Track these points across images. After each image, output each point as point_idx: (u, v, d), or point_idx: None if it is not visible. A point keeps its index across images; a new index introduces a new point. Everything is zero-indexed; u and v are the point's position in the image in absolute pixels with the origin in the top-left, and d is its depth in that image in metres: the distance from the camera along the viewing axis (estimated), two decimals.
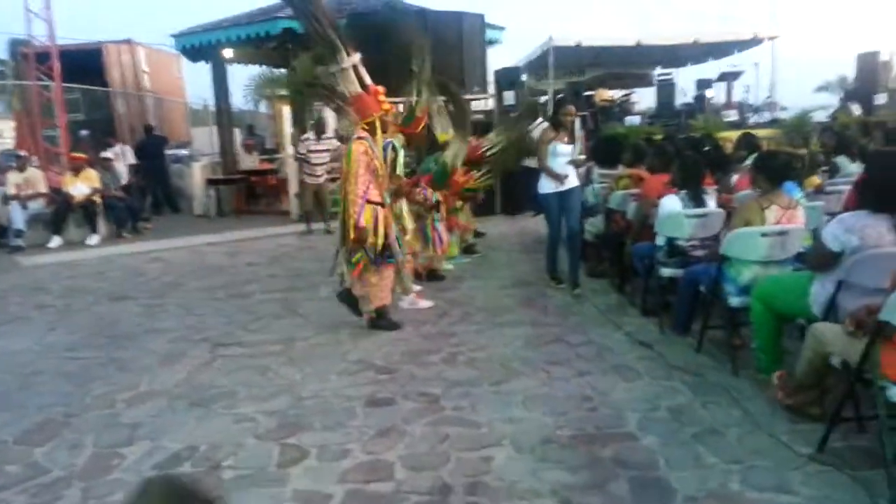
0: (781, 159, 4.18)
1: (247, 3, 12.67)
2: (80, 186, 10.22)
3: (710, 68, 17.18)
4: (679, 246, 4.76)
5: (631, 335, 4.71)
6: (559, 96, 5.32)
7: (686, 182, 4.86)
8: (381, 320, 5.17)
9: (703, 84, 15.61)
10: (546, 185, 5.87)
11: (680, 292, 4.72)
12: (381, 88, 5.09)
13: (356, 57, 5.04)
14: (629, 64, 17.19)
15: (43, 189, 10.33)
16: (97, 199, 10.31)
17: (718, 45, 15.45)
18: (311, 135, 9.94)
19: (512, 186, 10.83)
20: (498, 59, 14.24)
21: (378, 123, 4.96)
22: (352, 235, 4.80)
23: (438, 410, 3.65)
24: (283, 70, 14.96)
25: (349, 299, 5.16)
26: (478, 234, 8.62)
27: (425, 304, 5.71)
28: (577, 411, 3.55)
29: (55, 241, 9.94)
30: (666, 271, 4.82)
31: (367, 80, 5.05)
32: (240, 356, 4.73)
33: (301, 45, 12.14)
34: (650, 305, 5.20)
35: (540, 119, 11.12)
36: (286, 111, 12.63)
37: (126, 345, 5.13)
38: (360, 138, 4.85)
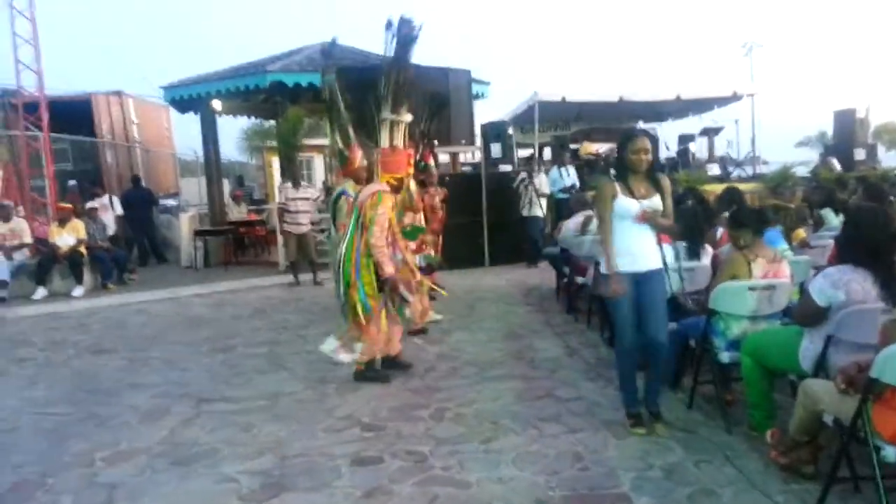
0: (751, 210, 4.23)
1: (236, 58, 12.87)
2: (66, 237, 10.14)
3: (691, 124, 17.60)
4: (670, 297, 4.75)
5: None
6: (628, 130, 4.22)
7: (688, 233, 4.83)
8: (371, 372, 5.10)
9: (686, 139, 15.97)
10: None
11: (669, 346, 4.69)
12: (411, 152, 5.21)
13: (408, 117, 5.14)
14: (612, 119, 17.56)
15: (28, 239, 10.25)
16: (83, 249, 10.23)
17: (699, 101, 15.83)
18: (289, 183, 9.98)
19: (500, 236, 10.91)
20: (485, 112, 14.54)
21: (405, 182, 5.10)
22: (384, 281, 4.83)
23: (427, 469, 3.56)
24: (271, 122, 15.20)
25: (370, 373, 5.11)
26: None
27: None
28: (569, 470, 3.48)
29: (40, 293, 9.80)
30: None
31: (400, 142, 5.14)
32: (223, 412, 4.62)
33: (289, 98, 12.38)
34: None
35: (523, 175, 11.26)
36: (275, 162, 12.71)
37: (106, 400, 5.01)
38: (386, 191, 4.91)
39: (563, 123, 17.90)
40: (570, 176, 12.21)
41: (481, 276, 9.93)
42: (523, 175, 11.21)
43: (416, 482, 3.42)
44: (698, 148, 16.46)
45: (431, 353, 5.87)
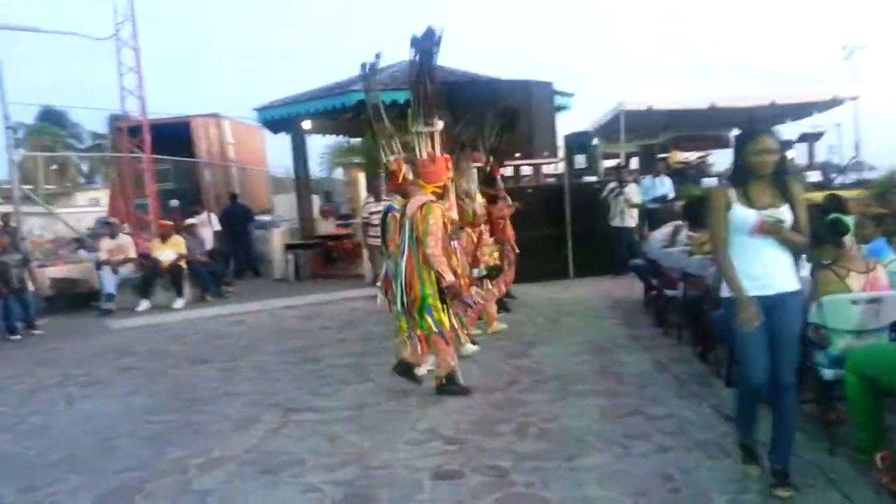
0: (823, 224, 3.90)
1: (324, 78, 13.26)
2: (168, 252, 10.72)
3: (788, 130, 16.72)
4: None
5: (716, 408, 4.44)
6: (749, 126, 3.95)
7: None
8: (452, 385, 5.11)
9: (784, 145, 15.20)
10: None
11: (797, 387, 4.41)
12: (448, 157, 5.24)
13: (440, 125, 5.18)
14: (703, 126, 16.96)
15: (133, 255, 10.88)
16: (183, 264, 10.77)
17: (797, 106, 15.06)
18: (371, 197, 10.16)
19: (585, 247, 10.70)
20: (570, 123, 14.37)
21: (448, 188, 5.15)
22: (445, 289, 4.95)
23: (508, 486, 3.51)
24: (357, 139, 15.57)
25: (405, 368, 5.18)
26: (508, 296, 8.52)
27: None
28: (658, 492, 3.34)
29: (143, 305, 10.39)
30: None
31: (437, 150, 5.16)
32: (310, 422, 4.72)
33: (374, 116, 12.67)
34: (735, 376, 4.91)
35: (613, 184, 10.96)
36: (361, 178, 13.00)
37: (202, 408, 5.22)
38: (434, 201, 4.98)
39: (650, 132, 17.41)
40: (664, 186, 11.87)
41: (566, 289, 9.77)
42: (613, 185, 10.96)
43: (497, 499, 3.37)
44: (797, 154, 15.65)
45: (513, 366, 5.80)
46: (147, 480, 3.87)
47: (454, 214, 6.16)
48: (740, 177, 3.30)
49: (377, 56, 5.59)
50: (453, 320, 5.16)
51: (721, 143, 17.33)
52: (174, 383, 6.06)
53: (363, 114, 12.31)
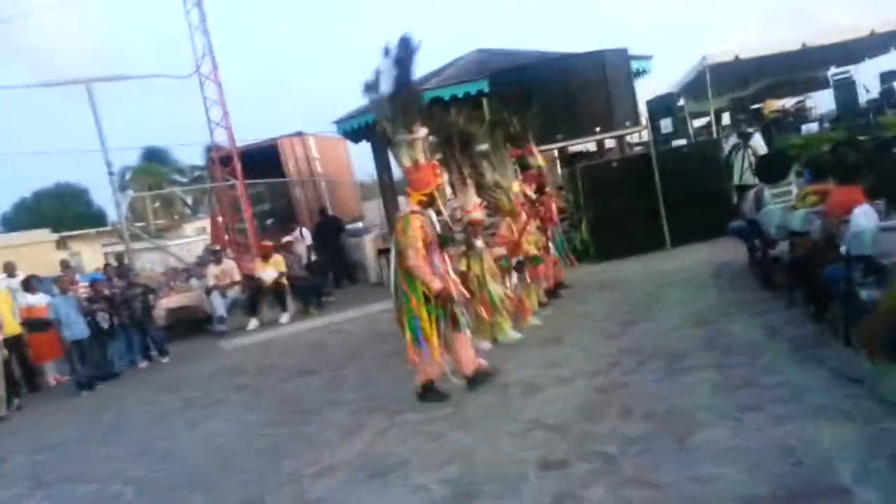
0: None
1: None
2: (270, 271, 11.17)
3: (893, 60, 15.37)
4: (877, 263, 4.16)
5: (836, 370, 4.13)
6: None
7: (883, 189, 4.26)
8: (429, 393, 5.12)
9: (889, 76, 14.03)
10: None
11: None
12: (435, 163, 5.25)
13: (423, 132, 5.13)
14: (797, 69, 15.88)
15: (238, 277, 11.41)
16: (284, 280, 11.19)
17: None
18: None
19: (680, 216, 10.24)
20: (652, 86, 13.86)
21: (436, 195, 5.14)
22: (436, 297, 4.89)
23: (616, 471, 3.40)
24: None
25: (430, 394, 5.14)
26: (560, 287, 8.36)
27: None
28: (778, 465, 3.13)
29: (252, 324, 10.88)
30: (867, 293, 4.21)
31: (422, 158, 5.10)
32: (413, 423, 4.76)
33: (446, 112, 12.71)
34: (855, 334, 4.56)
35: (735, 140, 10.24)
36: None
37: (311, 419, 5.39)
38: (414, 212, 4.98)
39: (739, 84, 16.48)
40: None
41: (663, 260, 9.41)
42: (735, 141, 10.29)
43: (606, 486, 3.27)
44: None
45: (614, 347, 5.64)
46: (266, 493, 4.04)
47: (479, 214, 6.15)
48: None
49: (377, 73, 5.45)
50: (440, 333, 5.02)
51: (818, 85, 16.21)
52: (284, 396, 6.29)
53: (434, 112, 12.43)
